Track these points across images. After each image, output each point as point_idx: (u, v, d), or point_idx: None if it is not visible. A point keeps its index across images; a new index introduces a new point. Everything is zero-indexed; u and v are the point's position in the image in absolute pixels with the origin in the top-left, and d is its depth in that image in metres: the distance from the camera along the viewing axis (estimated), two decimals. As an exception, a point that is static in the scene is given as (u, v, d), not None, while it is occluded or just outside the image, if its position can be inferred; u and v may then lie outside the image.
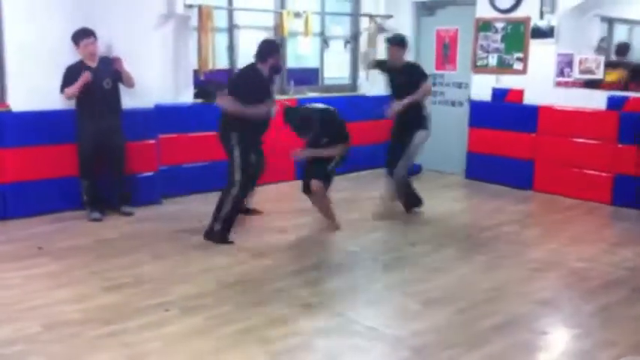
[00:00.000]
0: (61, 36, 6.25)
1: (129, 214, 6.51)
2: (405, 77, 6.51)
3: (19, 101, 6.27)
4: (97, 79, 6.22)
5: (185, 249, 5.56)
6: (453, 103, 8.97)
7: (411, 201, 6.81)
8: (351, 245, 5.79)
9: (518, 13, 8.03)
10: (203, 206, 6.85)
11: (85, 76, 6.15)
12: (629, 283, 4.94)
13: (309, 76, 8.88)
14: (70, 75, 6.18)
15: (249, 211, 6.57)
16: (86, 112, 6.26)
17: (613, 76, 7.30)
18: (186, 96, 7.43)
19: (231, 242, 5.69)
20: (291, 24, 8.07)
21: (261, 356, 3.70)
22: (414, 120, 6.54)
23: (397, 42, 6.63)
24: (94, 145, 6.28)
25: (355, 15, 9.09)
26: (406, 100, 6.37)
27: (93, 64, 6.26)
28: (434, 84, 9.11)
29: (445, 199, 7.65)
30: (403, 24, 9.20)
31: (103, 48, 6.47)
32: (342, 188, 7.56)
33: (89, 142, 6.27)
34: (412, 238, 5.99)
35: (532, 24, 7.90)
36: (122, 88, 6.49)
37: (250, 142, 5.83)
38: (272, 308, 4.37)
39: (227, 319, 4.16)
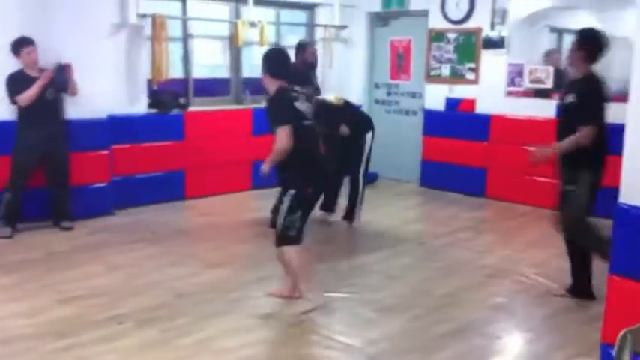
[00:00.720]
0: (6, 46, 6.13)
1: (68, 228, 6.32)
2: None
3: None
4: (43, 88, 6.07)
5: (139, 260, 5.50)
6: (407, 113, 9.07)
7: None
8: (311, 253, 5.79)
9: (470, 24, 8.18)
10: (157, 217, 6.81)
11: (47, 75, 6.04)
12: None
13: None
14: (17, 82, 6.05)
15: None
16: (28, 123, 6.09)
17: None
18: (140, 106, 7.35)
19: None
20: (246, 34, 8.06)
21: (218, 367, 3.68)
22: None
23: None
24: (35, 157, 6.12)
25: (310, 25, 9.14)
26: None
27: (34, 73, 6.10)
28: (389, 93, 9.24)
29: (400, 207, 7.72)
30: (358, 34, 9.30)
31: (51, 55, 6.38)
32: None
33: (28, 154, 6.08)
34: (368, 246, 6.03)
35: (483, 35, 8.06)
36: (67, 97, 6.37)
37: None
38: (228, 319, 4.34)
39: (183, 331, 4.12)
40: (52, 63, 6.20)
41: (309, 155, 4.47)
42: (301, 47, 7.09)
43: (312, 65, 7.13)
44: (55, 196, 6.38)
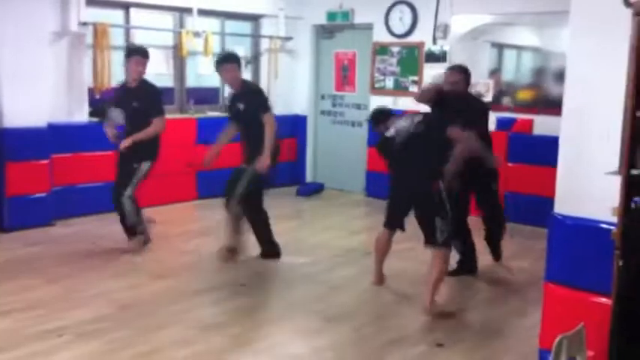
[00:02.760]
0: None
1: None
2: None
3: None
4: None
5: (79, 272, 5.39)
6: (352, 124, 9.15)
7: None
8: (253, 266, 5.77)
9: (413, 38, 8.33)
10: (98, 228, 6.69)
11: None
12: (520, 294, 5.18)
13: (209, 96, 8.84)
14: None
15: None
16: None
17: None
18: (82, 115, 7.23)
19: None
20: (190, 44, 8.02)
21: (160, 379, 3.63)
22: None
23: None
24: None
25: (255, 36, 9.15)
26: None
27: None
28: (334, 105, 9.30)
29: (346, 216, 7.77)
30: (303, 46, 9.35)
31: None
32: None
33: None
34: (312, 255, 6.04)
35: (426, 49, 8.21)
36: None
37: None
38: (172, 330, 4.29)
39: (126, 343, 4.05)
40: None
41: None
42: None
43: None
44: None
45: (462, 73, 5.45)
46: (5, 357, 3.81)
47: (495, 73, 7.94)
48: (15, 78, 6.40)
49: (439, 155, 4.70)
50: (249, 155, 5.70)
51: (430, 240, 4.80)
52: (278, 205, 7.84)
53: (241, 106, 5.73)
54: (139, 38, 7.80)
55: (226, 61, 5.77)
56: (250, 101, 5.69)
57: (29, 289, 4.94)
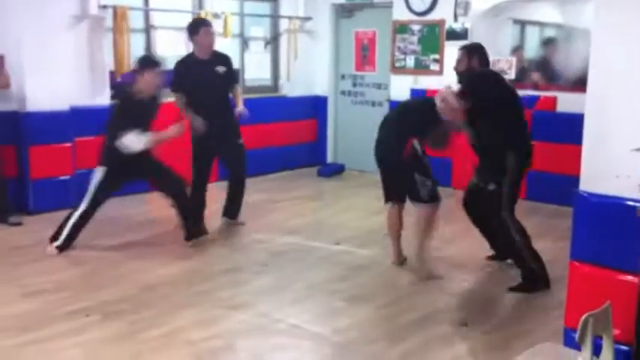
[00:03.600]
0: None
1: (18, 224, 6.21)
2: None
3: None
4: None
5: (104, 253, 5.45)
6: (372, 104, 9.11)
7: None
8: (275, 246, 5.80)
9: (434, 16, 8.24)
10: (120, 209, 6.73)
11: None
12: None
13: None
14: None
15: None
16: None
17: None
18: (103, 98, 7.26)
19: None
20: (210, 25, 7.99)
21: (186, 358, 3.67)
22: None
23: None
24: None
25: (275, 16, 9.11)
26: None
27: None
28: (354, 85, 9.26)
29: (366, 197, 7.75)
30: (322, 26, 9.30)
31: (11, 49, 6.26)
32: (262, 189, 7.58)
33: None
34: (335, 238, 6.05)
35: (447, 26, 8.12)
36: None
37: None
38: (196, 311, 4.33)
39: (150, 323, 4.10)
40: None
41: None
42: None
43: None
44: None
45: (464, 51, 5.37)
46: (33, 337, 3.87)
47: (518, 50, 7.84)
48: (37, 62, 6.44)
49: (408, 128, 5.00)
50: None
51: (415, 198, 4.98)
52: (299, 186, 7.90)
53: (221, 70, 5.96)
54: (157, 20, 7.80)
55: (207, 24, 6.01)
56: (230, 66, 6.07)
57: (56, 271, 5.01)
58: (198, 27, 5.93)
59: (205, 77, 5.89)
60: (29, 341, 3.81)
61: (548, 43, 7.80)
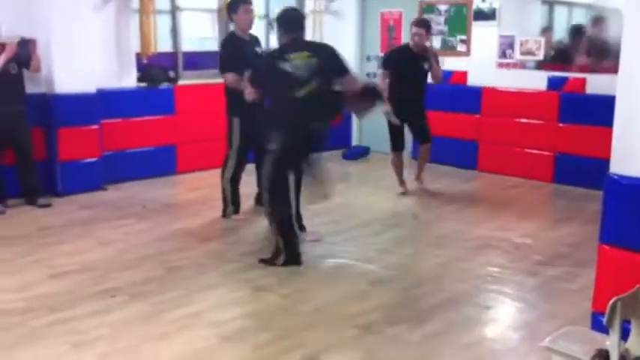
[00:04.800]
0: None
1: (46, 205, 6.26)
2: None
3: None
4: (4, 63, 5.93)
5: (131, 235, 5.50)
6: (398, 86, 9.01)
7: None
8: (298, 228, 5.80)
9: (461, -4, 8.14)
10: (147, 192, 6.80)
11: (10, 49, 5.90)
12: (569, 257, 5.08)
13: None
14: None
15: None
16: None
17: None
18: (130, 80, 7.30)
19: None
20: (235, 6, 7.96)
21: (210, 339, 3.69)
22: None
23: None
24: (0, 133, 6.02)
25: (300, -3, 9.06)
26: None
27: None
28: (380, 66, 9.17)
29: (392, 180, 7.70)
30: (348, 6, 9.24)
31: (38, 30, 6.30)
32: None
33: None
34: (361, 220, 6.03)
35: (474, 6, 8.01)
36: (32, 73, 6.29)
37: None
38: (221, 292, 4.36)
39: (175, 304, 4.13)
40: (12, 37, 6.05)
41: None
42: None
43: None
44: (21, 174, 6.29)
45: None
46: (62, 316, 3.92)
47: (547, 31, 7.71)
48: (64, 45, 6.48)
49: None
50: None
51: (425, 139, 6.95)
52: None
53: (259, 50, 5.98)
54: (183, 1, 7.80)
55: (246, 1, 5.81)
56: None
57: (83, 252, 5.07)
58: (237, 5, 5.83)
59: (250, 57, 5.72)
60: (57, 321, 3.86)
61: (596, 21, 7.44)
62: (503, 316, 4.19)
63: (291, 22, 5.01)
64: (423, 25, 6.73)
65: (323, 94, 4.78)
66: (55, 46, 6.47)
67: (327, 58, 4.90)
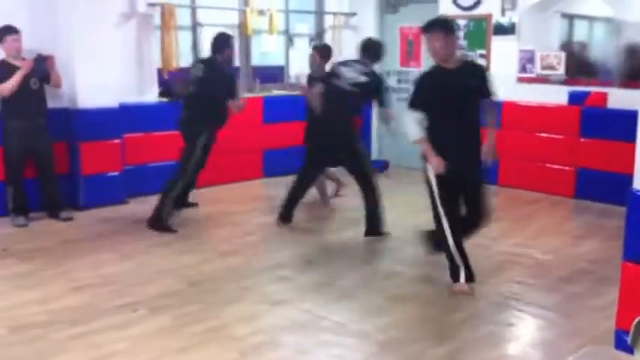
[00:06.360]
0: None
1: (68, 219, 6.31)
2: None
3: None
4: (25, 78, 5.98)
5: (152, 248, 5.53)
6: (417, 100, 9.01)
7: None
8: (319, 243, 5.80)
9: (480, 10, 8.13)
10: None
11: (27, 65, 5.96)
12: (592, 274, 5.03)
13: (274, 74, 8.87)
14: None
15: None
16: (12, 113, 6.03)
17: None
18: (151, 95, 7.37)
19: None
20: (255, 22, 8.05)
21: (230, 353, 3.70)
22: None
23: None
24: (23, 147, 6.07)
25: (319, 12, 9.11)
26: None
27: (16, 62, 6.01)
28: (399, 81, 9.19)
29: (412, 194, 7.65)
30: (367, 21, 9.27)
31: (60, 46, 6.39)
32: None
33: (16, 145, 6.05)
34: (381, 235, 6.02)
35: (494, 21, 8.00)
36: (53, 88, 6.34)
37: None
38: (240, 306, 4.37)
39: (195, 318, 4.14)
40: (32, 53, 6.11)
41: None
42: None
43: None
44: (43, 187, 6.35)
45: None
46: (82, 330, 3.95)
47: (567, 45, 7.68)
48: (87, 60, 6.56)
49: None
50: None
51: None
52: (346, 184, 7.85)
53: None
54: (204, 17, 7.87)
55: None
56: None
57: (104, 265, 5.11)
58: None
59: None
60: (78, 334, 3.89)
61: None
62: (524, 334, 4.16)
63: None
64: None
65: None
66: (78, 61, 6.55)
67: None
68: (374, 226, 5.89)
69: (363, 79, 5.81)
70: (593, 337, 3.90)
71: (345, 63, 6.12)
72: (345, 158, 6.02)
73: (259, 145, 8.02)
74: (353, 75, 5.82)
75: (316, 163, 6.18)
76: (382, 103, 5.98)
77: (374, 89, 5.88)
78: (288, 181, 6.28)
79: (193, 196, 6.75)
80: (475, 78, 4.65)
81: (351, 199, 6.96)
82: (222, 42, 6.17)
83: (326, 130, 5.92)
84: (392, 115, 6.02)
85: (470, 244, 5.70)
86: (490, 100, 4.71)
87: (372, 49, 6.01)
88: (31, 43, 6.18)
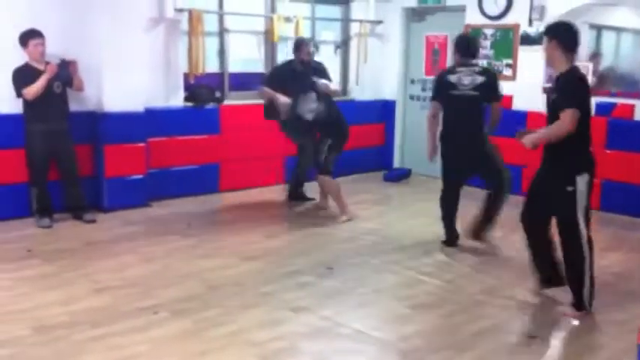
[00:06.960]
0: (50, 42, 6.19)
1: (92, 221, 6.36)
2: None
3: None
4: (48, 82, 6.04)
5: (173, 251, 5.56)
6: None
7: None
8: (340, 250, 5.80)
9: (508, 20, 8.09)
10: (191, 209, 6.87)
11: (51, 69, 6.02)
12: (616, 287, 4.97)
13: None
14: (23, 76, 6.02)
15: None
16: (35, 116, 6.09)
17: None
18: (177, 100, 7.42)
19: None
20: (281, 29, 8.08)
21: (250, 359, 3.70)
22: None
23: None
24: (46, 150, 6.14)
25: (345, 20, 9.13)
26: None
27: (40, 66, 6.07)
28: (424, 89, 9.16)
29: (433, 203, 7.62)
30: (393, 30, 9.26)
31: (88, 51, 6.47)
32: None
33: (39, 147, 6.12)
34: (400, 244, 6.00)
35: (521, 31, 7.96)
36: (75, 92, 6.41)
37: None
38: (260, 311, 4.37)
39: (215, 322, 4.16)
40: (57, 58, 6.17)
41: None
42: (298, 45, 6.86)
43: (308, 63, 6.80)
44: (66, 190, 6.42)
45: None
46: (103, 331, 3.98)
47: (596, 56, 7.61)
48: (114, 64, 6.63)
49: None
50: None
51: None
52: (365, 190, 7.89)
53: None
54: (231, 24, 7.93)
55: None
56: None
57: (127, 267, 5.15)
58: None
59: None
60: (99, 336, 3.92)
61: None
62: (546, 346, 4.11)
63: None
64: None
65: None
66: (106, 66, 6.62)
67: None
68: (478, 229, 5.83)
69: (480, 79, 5.64)
70: (618, 350, 3.85)
71: (451, 71, 5.86)
72: (478, 164, 5.94)
73: (282, 151, 8.03)
74: (469, 79, 5.65)
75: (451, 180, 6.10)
76: (499, 98, 5.85)
77: (493, 84, 5.73)
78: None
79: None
80: None
81: (370, 209, 6.96)
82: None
83: (461, 143, 5.83)
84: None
85: (492, 254, 5.68)
86: None
87: (471, 47, 5.90)
88: (60, 47, 6.26)
